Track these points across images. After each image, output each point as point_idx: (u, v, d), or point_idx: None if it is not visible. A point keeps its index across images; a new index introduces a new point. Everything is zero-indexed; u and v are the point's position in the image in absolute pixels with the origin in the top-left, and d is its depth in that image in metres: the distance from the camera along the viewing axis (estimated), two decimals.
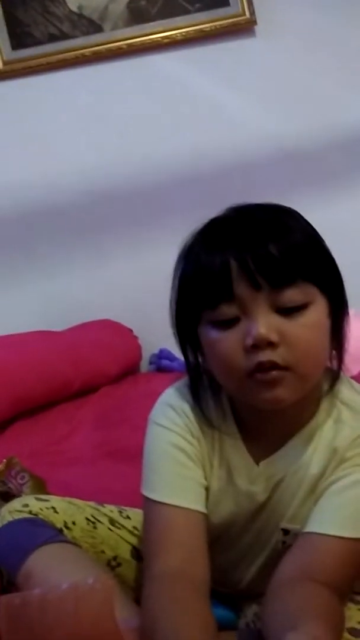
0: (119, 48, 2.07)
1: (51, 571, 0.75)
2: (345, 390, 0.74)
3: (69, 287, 2.25)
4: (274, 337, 0.64)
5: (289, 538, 0.74)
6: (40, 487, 1.12)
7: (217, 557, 0.75)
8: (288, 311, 0.65)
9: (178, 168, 2.12)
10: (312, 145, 2.13)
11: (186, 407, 0.76)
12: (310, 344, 0.65)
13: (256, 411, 0.71)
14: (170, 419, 0.76)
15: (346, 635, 0.63)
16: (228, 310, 0.66)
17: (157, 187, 2.14)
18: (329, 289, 0.67)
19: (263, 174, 2.07)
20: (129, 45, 2.07)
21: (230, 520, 0.77)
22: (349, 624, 0.65)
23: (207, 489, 0.75)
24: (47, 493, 1.04)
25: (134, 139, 2.15)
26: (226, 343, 0.66)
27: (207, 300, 0.67)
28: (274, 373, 0.65)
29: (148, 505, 0.74)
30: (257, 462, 0.75)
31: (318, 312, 0.66)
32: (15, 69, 2.09)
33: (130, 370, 2.20)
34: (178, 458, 0.74)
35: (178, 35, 2.05)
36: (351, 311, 2.08)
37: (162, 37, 2.06)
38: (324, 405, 0.73)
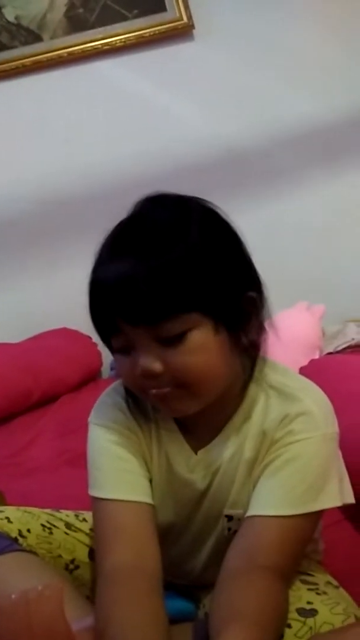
0: (60, 57, 2.07)
1: (6, 580, 0.74)
2: (272, 373, 0.76)
3: (24, 298, 2.24)
4: (157, 368, 0.66)
5: (234, 524, 0.75)
6: (0, 499, 1.12)
7: (167, 549, 0.76)
8: (169, 341, 0.66)
9: (124, 174, 2.14)
10: (256, 144, 2.17)
11: (122, 404, 0.78)
12: (194, 366, 0.67)
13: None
14: (107, 417, 0.78)
15: (294, 615, 0.65)
16: (118, 342, 0.69)
17: (105, 193, 2.15)
18: (214, 309, 0.67)
19: (209, 175, 2.10)
20: (69, 53, 2.07)
21: (175, 512, 0.78)
22: (299, 604, 0.66)
23: (150, 480, 0.77)
24: (6, 504, 1.03)
25: (78, 146, 2.16)
26: (124, 366, 0.70)
27: (101, 332, 0.71)
28: (166, 391, 0.68)
29: (96, 504, 0.75)
30: (196, 452, 0.77)
31: (201, 334, 0.67)
32: None
33: (91, 377, 2.20)
34: (118, 453, 0.76)
35: (118, 42, 2.07)
36: (303, 304, 2.12)
37: (102, 44, 2.07)
38: (252, 391, 0.75)
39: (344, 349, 1.94)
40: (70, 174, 2.18)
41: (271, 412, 0.74)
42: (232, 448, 0.75)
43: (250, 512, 0.71)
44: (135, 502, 0.74)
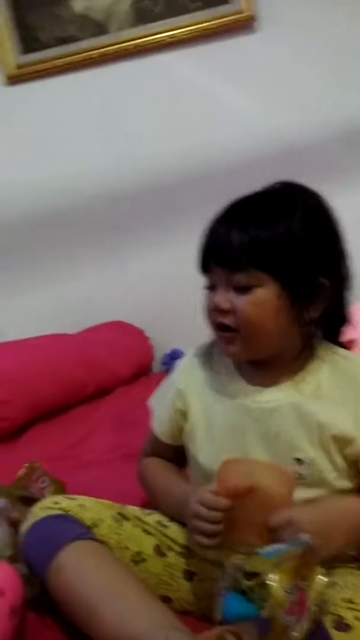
0: (126, 49, 2.06)
1: (81, 566, 0.78)
2: (340, 350, 0.89)
3: (79, 290, 2.26)
4: (224, 305, 0.82)
5: (304, 468, 0.82)
6: (61, 490, 1.13)
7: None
8: (239, 289, 0.81)
9: (186, 166, 2.12)
10: (314, 140, 2.13)
11: (195, 360, 0.95)
12: (252, 316, 0.81)
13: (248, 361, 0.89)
14: (180, 365, 0.97)
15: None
16: (208, 279, 0.86)
17: (166, 187, 2.14)
18: (283, 276, 0.80)
19: (268, 169, 2.06)
20: (135, 45, 2.06)
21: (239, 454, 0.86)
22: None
23: (208, 427, 0.89)
24: None
25: (142, 138, 2.15)
26: (207, 300, 0.86)
27: (201, 269, 0.87)
28: (226, 334, 0.84)
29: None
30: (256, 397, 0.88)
31: (266, 293, 0.81)
32: (23, 74, 2.09)
33: (142, 371, 2.20)
34: (172, 399, 0.94)
35: (182, 34, 2.05)
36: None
37: (167, 37, 2.05)
38: (318, 356, 0.87)
39: None
40: (132, 167, 2.17)
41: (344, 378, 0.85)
42: (297, 397, 0.84)
43: None
44: (168, 445, 0.96)
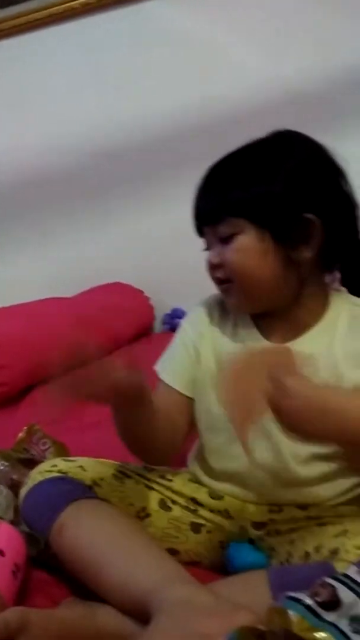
0: None
1: (83, 524, 0.77)
2: (353, 298, 0.86)
3: (76, 252, 2.22)
4: (214, 260, 0.84)
5: None
6: (63, 452, 1.12)
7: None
8: (224, 240, 0.83)
9: (182, 118, 2.05)
10: (317, 87, 2.05)
11: (208, 309, 0.94)
12: (239, 263, 0.82)
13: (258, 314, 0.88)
14: (191, 315, 0.96)
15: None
16: (204, 241, 0.88)
17: (161, 141, 2.07)
18: (260, 219, 0.80)
19: (270, 118, 1.99)
20: None
21: None
22: None
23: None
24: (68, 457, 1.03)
25: (133, 91, 2.08)
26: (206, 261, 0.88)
27: (197, 233, 0.89)
28: (222, 286, 0.86)
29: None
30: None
31: (247, 239, 0.81)
32: (2, 29, 2.02)
33: (143, 331, 2.18)
34: (184, 347, 0.92)
35: None
36: None
37: None
38: (335, 306, 0.85)
39: None
40: (124, 121, 2.11)
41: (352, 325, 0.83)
42: (313, 348, 0.81)
43: None
44: (175, 390, 0.90)
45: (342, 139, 2.05)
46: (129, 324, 2.05)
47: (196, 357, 0.91)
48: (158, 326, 2.30)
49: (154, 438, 0.85)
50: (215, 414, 0.86)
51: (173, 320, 2.21)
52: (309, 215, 0.79)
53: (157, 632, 0.61)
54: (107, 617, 0.70)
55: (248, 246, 0.81)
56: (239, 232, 0.81)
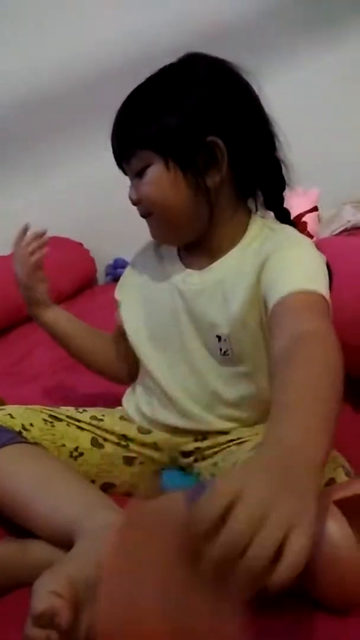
0: None
1: (15, 468, 0.78)
2: (275, 224, 0.86)
3: (9, 207, 2.16)
4: (132, 195, 0.85)
5: (224, 344, 0.83)
6: (0, 404, 1.12)
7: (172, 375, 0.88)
8: (138, 175, 0.83)
9: (103, 61, 2.00)
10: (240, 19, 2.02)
11: (143, 252, 0.97)
12: (151, 195, 0.82)
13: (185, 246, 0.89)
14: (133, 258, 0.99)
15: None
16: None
17: (90, 84, 2.02)
18: (162, 147, 0.80)
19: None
20: None
21: (170, 324, 0.88)
22: None
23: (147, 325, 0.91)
24: None
25: (48, 37, 2.00)
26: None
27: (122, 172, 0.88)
28: (146, 219, 0.87)
29: None
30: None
31: (156, 170, 0.81)
32: None
33: (86, 284, 2.17)
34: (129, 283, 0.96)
35: None
36: (299, 190, 2.04)
37: None
38: (252, 230, 0.85)
39: (340, 232, 1.89)
40: (38, 69, 2.04)
41: (267, 244, 0.81)
42: (229, 271, 0.83)
43: (273, 300, 0.72)
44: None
45: (339, 42, 2.03)
46: (71, 279, 2.04)
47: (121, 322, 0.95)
48: (101, 278, 2.29)
49: (109, 361, 1.01)
50: (154, 376, 0.90)
51: (116, 270, 2.21)
52: (211, 138, 0.78)
53: (76, 555, 0.64)
54: (38, 551, 0.72)
55: (158, 177, 0.81)
56: (149, 164, 0.81)
